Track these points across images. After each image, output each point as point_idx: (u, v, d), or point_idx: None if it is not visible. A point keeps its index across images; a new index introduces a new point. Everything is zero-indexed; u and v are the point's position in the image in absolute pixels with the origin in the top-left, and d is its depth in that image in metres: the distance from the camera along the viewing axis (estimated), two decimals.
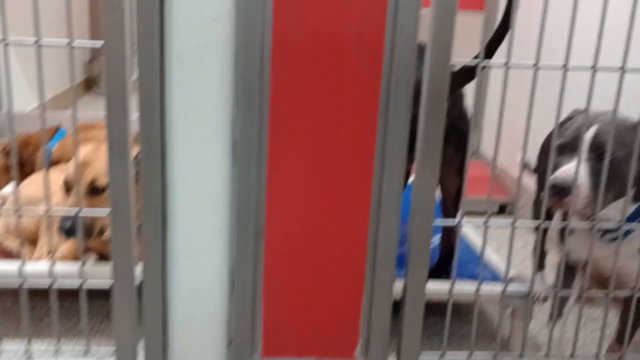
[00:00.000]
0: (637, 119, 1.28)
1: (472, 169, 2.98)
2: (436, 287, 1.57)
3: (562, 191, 1.21)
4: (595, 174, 1.23)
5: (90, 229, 1.53)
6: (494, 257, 1.88)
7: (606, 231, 1.36)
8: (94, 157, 1.58)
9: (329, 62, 0.99)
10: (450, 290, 1.15)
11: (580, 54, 2.10)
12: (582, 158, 1.24)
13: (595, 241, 1.39)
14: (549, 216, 1.45)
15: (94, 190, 1.55)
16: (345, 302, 1.12)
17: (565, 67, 1.01)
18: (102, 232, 1.59)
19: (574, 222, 1.24)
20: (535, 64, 1.01)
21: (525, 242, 2.45)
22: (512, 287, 1.60)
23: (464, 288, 1.60)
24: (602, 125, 1.26)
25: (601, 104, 1.29)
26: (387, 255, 1.10)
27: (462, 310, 1.93)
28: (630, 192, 1.31)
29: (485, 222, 1.15)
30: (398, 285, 1.13)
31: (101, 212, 1.14)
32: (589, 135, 1.25)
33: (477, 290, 1.15)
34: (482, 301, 1.90)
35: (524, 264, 2.27)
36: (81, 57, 4.91)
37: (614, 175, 1.24)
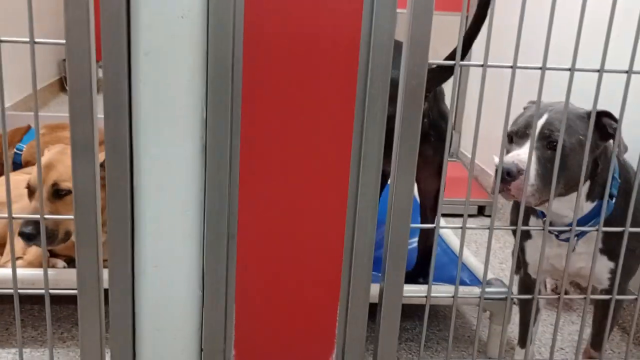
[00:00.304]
0: (587, 109, 1.27)
1: (451, 170, 2.98)
2: (414, 290, 1.56)
3: (508, 177, 1.19)
4: (543, 162, 1.21)
5: (53, 234, 1.49)
6: (473, 260, 1.87)
7: (561, 231, 1.35)
8: (59, 159, 1.53)
9: (302, 61, 0.97)
10: (428, 293, 1.12)
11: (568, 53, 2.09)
12: (531, 145, 1.23)
13: (551, 241, 1.38)
14: (528, 219, 1.43)
15: (57, 194, 1.50)
16: (321, 309, 1.10)
17: (543, 68, 1.00)
18: (67, 237, 1.55)
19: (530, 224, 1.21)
20: (513, 65, 1.00)
21: (504, 244, 2.45)
22: (490, 290, 1.59)
23: (442, 291, 1.59)
24: (552, 114, 1.25)
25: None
26: (363, 260, 1.07)
27: (440, 313, 1.91)
28: (584, 189, 1.29)
29: (463, 225, 1.12)
30: (374, 288, 1.10)
31: (64, 216, 1.10)
32: (539, 124, 1.24)
33: (455, 294, 1.13)
34: (460, 304, 1.89)
35: (502, 265, 2.27)
36: (55, 56, 4.82)
37: (563, 164, 1.22)
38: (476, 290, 1.60)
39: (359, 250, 1.07)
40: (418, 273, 1.81)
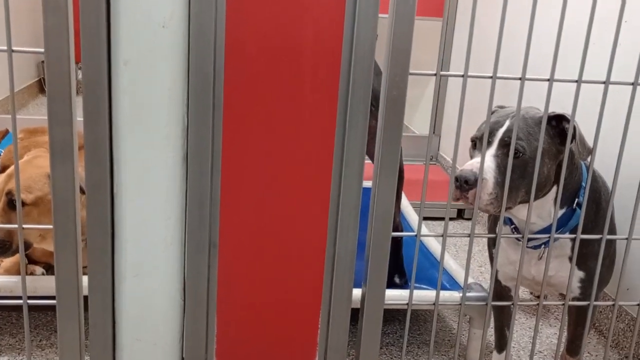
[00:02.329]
0: (549, 113, 1.27)
1: (431, 174, 3.00)
2: (395, 296, 1.57)
3: (466, 185, 1.18)
4: (504, 169, 1.20)
5: (4, 245, 1.46)
6: (452, 263, 1.88)
7: (529, 239, 1.33)
8: (22, 168, 1.51)
9: (284, 69, 0.97)
10: (409, 300, 1.13)
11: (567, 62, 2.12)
12: (490, 153, 1.22)
13: (518, 249, 1.38)
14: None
15: (12, 204, 1.48)
16: (303, 316, 1.10)
17: (522, 79, 1.01)
18: (27, 247, 1.53)
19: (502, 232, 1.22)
20: (493, 75, 1.01)
21: (483, 247, 2.47)
22: (470, 295, 1.61)
23: (423, 296, 1.60)
24: (514, 121, 1.23)
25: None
26: (345, 267, 1.07)
27: (421, 317, 1.93)
28: (551, 195, 1.30)
29: (444, 232, 1.13)
30: (355, 293, 1.10)
31: (15, 226, 1.09)
32: (500, 131, 1.24)
33: (436, 301, 1.14)
34: (441, 309, 1.90)
35: (481, 269, 2.29)
36: (34, 58, 4.76)
37: (524, 173, 1.21)
38: (456, 295, 1.61)
39: (340, 257, 1.07)
40: (391, 271, 1.82)
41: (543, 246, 1.35)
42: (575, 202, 1.32)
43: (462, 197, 1.19)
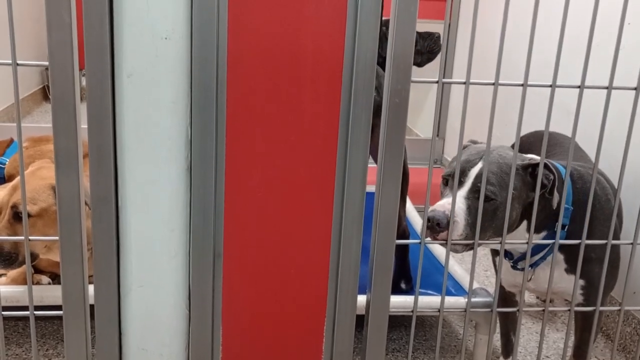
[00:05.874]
0: (526, 155, 1.27)
1: (436, 177, 3.00)
2: (400, 302, 1.57)
3: (438, 227, 1.18)
4: (474, 212, 1.20)
5: (11, 257, 1.47)
6: (458, 269, 1.88)
7: (516, 260, 1.36)
8: (26, 180, 1.51)
9: (287, 79, 0.97)
10: (414, 307, 1.13)
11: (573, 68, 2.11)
12: (461, 194, 1.22)
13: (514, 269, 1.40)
14: None
15: (17, 216, 1.49)
16: (308, 324, 1.10)
17: (524, 85, 1.01)
18: (34, 258, 1.54)
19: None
20: (495, 82, 1.01)
21: (488, 252, 2.46)
22: (476, 301, 1.60)
23: (428, 302, 1.60)
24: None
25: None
26: (349, 275, 1.08)
27: (426, 322, 1.92)
28: (522, 226, 1.30)
29: (448, 240, 1.13)
30: (361, 299, 1.10)
31: (20, 238, 1.10)
32: (473, 172, 1.24)
33: (441, 307, 1.14)
34: (447, 315, 1.90)
35: (487, 273, 2.28)
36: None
37: (494, 217, 1.22)
38: (462, 300, 1.61)
39: (345, 265, 1.07)
40: (398, 277, 1.82)
41: (531, 268, 1.36)
42: (555, 225, 1.31)
43: (433, 237, 1.20)
